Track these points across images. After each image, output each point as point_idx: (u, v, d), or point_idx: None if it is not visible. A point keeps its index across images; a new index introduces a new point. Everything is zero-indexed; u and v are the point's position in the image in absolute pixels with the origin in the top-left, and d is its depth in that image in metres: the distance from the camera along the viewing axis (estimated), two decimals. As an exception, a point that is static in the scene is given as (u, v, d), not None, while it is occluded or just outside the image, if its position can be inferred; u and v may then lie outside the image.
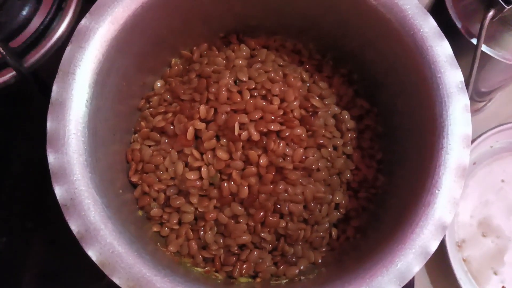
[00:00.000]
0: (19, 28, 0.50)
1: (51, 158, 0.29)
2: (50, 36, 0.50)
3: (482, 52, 0.43)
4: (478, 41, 0.41)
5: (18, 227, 0.46)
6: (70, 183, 0.28)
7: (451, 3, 0.44)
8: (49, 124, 0.29)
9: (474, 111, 0.59)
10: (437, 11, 0.45)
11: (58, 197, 0.28)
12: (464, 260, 0.54)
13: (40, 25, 0.50)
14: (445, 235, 0.50)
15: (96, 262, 0.27)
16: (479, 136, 0.54)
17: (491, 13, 0.40)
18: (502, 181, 0.57)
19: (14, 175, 0.47)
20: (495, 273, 0.54)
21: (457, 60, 0.44)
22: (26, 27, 0.50)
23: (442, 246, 0.50)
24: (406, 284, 0.46)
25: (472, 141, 0.54)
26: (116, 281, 0.27)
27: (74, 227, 0.27)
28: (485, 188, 0.57)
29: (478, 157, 0.56)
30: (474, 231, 0.55)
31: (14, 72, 0.48)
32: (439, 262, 0.53)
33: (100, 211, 0.28)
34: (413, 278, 0.47)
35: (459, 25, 0.44)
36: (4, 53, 0.46)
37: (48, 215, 0.45)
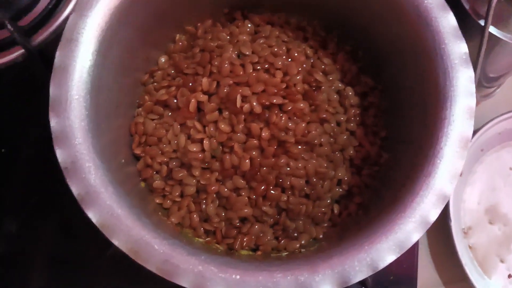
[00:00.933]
0: (28, 7, 0.51)
1: (53, 122, 0.29)
2: (57, 16, 0.51)
3: (490, 34, 0.42)
4: (485, 22, 0.40)
5: (29, 212, 0.46)
6: (72, 146, 0.28)
7: (459, -17, 0.44)
8: (51, 90, 0.30)
9: (483, 97, 0.58)
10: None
11: (59, 160, 0.28)
12: (470, 247, 0.54)
13: (48, 4, 0.51)
14: (451, 222, 0.50)
15: (95, 224, 0.27)
16: (488, 122, 0.54)
17: (499, -7, 0.39)
18: (511, 168, 0.56)
19: (24, 158, 0.48)
20: (502, 261, 0.53)
21: (465, 42, 0.44)
22: (34, 6, 0.51)
23: (448, 232, 0.50)
24: (410, 271, 0.46)
25: (480, 128, 0.53)
26: (115, 242, 0.27)
27: (74, 189, 0.28)
28: (493, 175, 0.56)
29: (486, 144, 0.56)
30: (481, 218, 0.55)
31: (22, 50, 0.49)
32: (444, 249, 0.52)
33: (101, 175, 0.28)
34: (417, 263, 0.47)
35: (466, 6, 0.43)
36: (13, 30, 0.47)
37: (60, 199, 0.46)
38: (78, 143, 0.28)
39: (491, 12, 0.40)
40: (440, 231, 0.52)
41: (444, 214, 0.50)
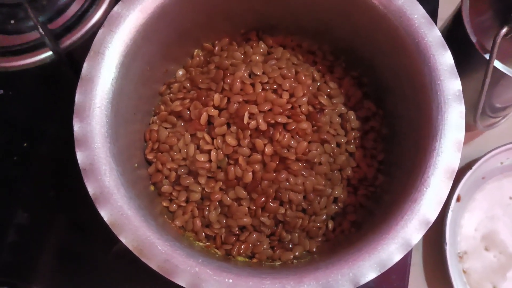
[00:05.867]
0: (58, 12, 0.54)
1: (76, 127, 0.32)
2: (86, 22, 0.54)
3: (495, 68, 0.43)
4: (490, 57, 0.42)
5: (41, 204, 0.48)
6: (91, 150, 0.31)
7: (468, 18, 0.45)
8: (77, 97, 0.33)
9: (487, 126, 0.59)
10: (455, 25, 0.46)
11: (79, 161, 0.31)
12: (464, 272, 0.54)
13: (78, 11, 0.54)
14: (446, 246, 0.51)
15: (106, 222, 0.30)
16: (490, 151, 0.55)
17: (504, 30, 0.41)
18: (511, 198, 0.57)
19: (41, 153, 0.50)
20: (495, 288, 0.54)
21: (471, 74, 0.45)
22: (65, 11, 0.54)
23: (442, 256, 0.51)
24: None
25: (483, 156, 0.54)
26: (123, 240, 0.30)
27: (90, 189, 0.31)
28: (493, 203, 0.57)
29: (488, 172, 0.57)
30: (477, 244, 0.55)
31: (50, 53, 0.52)
32: (438, 272, 0.53)
33: (114, 178, 0.31)
34: (407, 284, 0.48)
35: (473, 40, 0.45)
36: (44, 33, 0.50)
37: (72, 195, 0.47)
38: (96, 147, 0.31)
39: (496, 48, 0.41)
40: (436, 253, 0.53)
41: (440, 238, 0.52)
